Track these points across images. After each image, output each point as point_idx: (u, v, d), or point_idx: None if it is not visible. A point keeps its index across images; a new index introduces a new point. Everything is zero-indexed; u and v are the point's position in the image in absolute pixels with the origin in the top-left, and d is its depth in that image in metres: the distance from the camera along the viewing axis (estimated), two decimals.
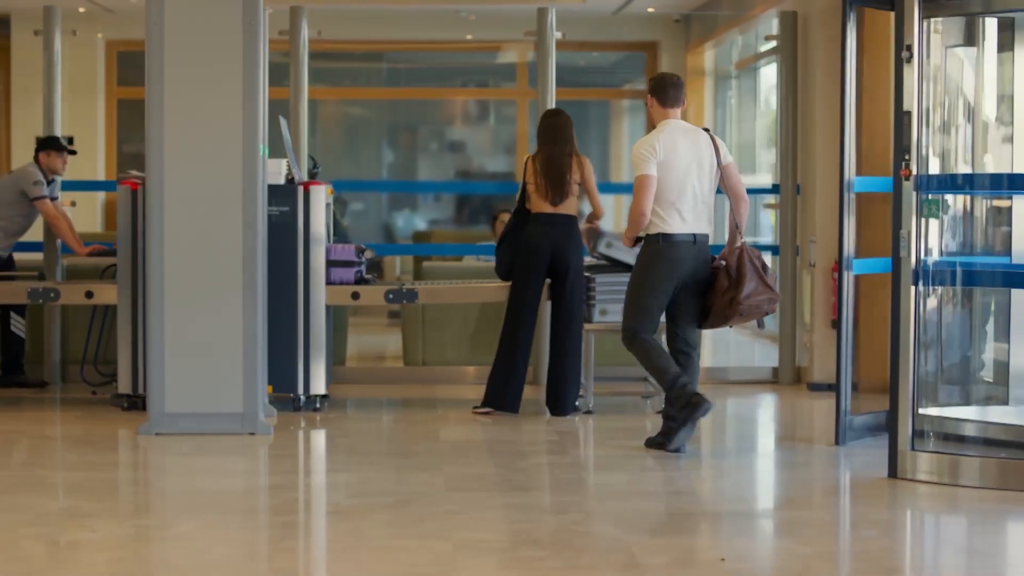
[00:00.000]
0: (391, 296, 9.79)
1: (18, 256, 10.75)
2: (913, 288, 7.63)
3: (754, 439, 9.45)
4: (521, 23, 16.20)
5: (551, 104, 10.75)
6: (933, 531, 6.96)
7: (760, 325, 8.75)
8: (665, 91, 8.39)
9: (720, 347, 13.25)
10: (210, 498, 7.20)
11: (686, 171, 8.21)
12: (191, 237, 8.73)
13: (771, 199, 13.41)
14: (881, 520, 6.96)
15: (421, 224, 18.09)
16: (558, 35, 10.94)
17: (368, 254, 10.11)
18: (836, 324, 10.50)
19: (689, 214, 8.22)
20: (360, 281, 9.79)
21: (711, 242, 8.40)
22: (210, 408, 8.76)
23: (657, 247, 8.22)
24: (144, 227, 9.39)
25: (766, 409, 10.32)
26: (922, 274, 7.70)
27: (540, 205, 9.43)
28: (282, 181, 9.60)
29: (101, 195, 16.11)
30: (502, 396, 9.49)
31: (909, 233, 7.60)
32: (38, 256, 11.06)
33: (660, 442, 8.29)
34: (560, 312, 9.52)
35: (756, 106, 15.17)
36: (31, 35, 16.27)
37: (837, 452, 8.38)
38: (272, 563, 6.07)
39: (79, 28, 16.03)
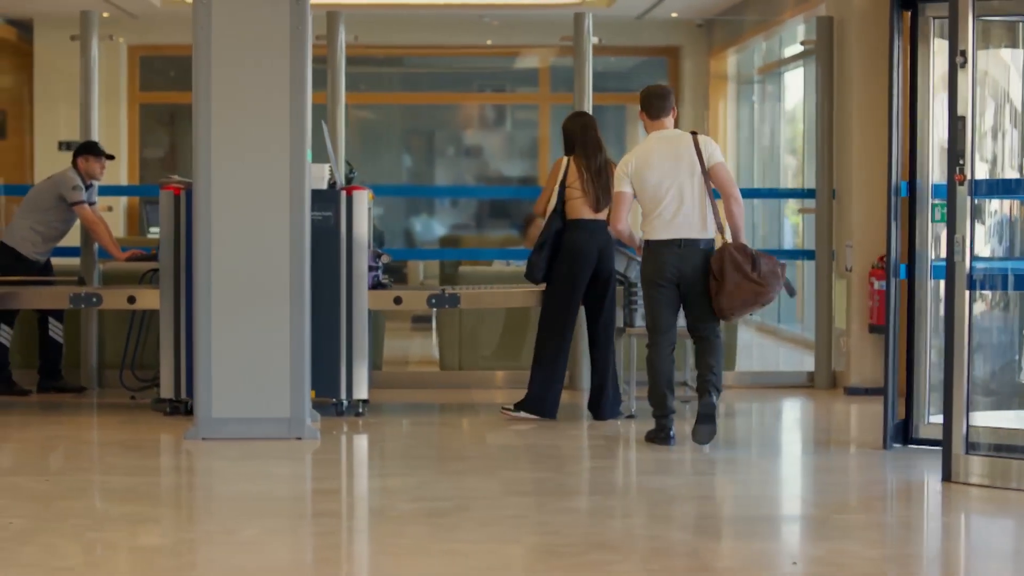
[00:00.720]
0: (433, 301, 9.79)
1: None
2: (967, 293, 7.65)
3: (801, 443, 9.45)
4: (544, 28, 16.27)
5: (589, 109, 10.78)
6: (994, 534, 6.95)
7: (791, 293, 9.06)
8: (650, 104, 8.77)
9: (755, 352, 13.28)
10: (268, 503, 7.20)
11: (661, 180, 8.57)
12: (238, 242, 8.74)
13: (803, 203, 13.42)
14: (943, 524, 7.00)
15: (440, 229, 18.10)
16: (595, 40, 10.95)
17: (384, 259, 10.12)
18: (875, 329, 10.61)
19: (671, 220, 8.56)
20: (377, 285, 9.78)
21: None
22: (256, 413, 8.76)
23: (645, 253, 8.70)
24: (187, 232, 9.43)
25: (808, 413, 10.33)
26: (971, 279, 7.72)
27: (583, 211, 9.41)
28: (324, 186, 9.60)
29: (123, 200, 16.13)
30: (545, 402, 9.47)
31: (964, 238, 7.62)
32: (70, 261, 11.07)
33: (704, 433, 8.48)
34: (601, 317, 9.53)
35: (780, 111, 15.19)
36: (53, 40, 16.36)
37: (885, 456, 8.39)
38: (342, 567, 6.08)
39: (102, 33, 16.07)
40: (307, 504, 7.32)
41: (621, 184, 8.68)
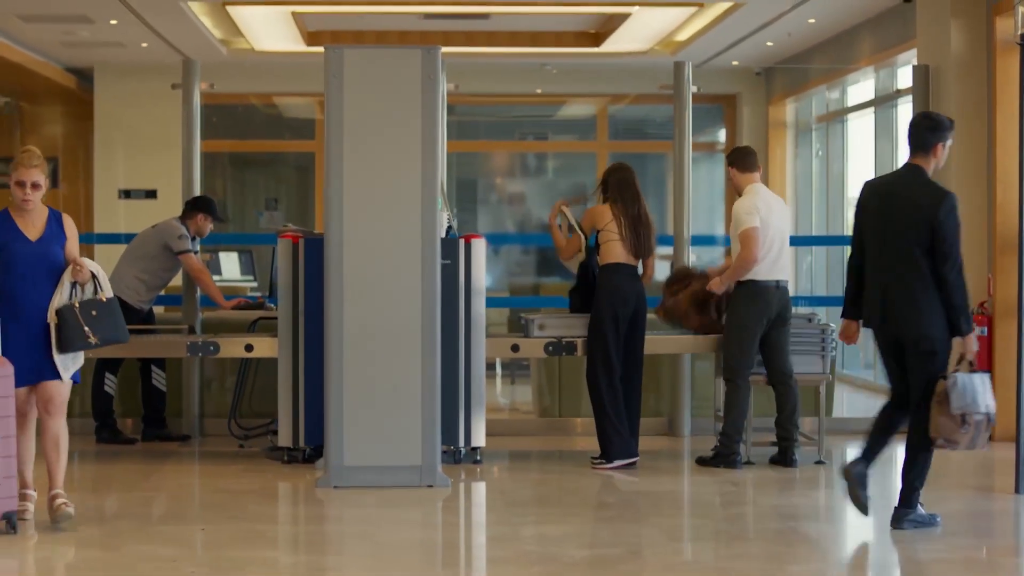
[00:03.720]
0: (551, 348, 9.83)
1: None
2: None
3: (929, 487, 9.38)
4: (602, 77, 16.37)
5: (688, 157, 10.91)
6: None
7: None
8: (744, 159, 9.67)
9: (846, 398, 13.31)
10: (436, 551, 7.23)
11: (776, 226, 9.50)
12: (370, 290, 8.76)
13: None
14: None
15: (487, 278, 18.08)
16: (694, 88, 11.05)
17: None
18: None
19: (775, 262, 9.49)
20: None
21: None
22: (388, 461, 8.77)
23: (746, 292, 9.50)
24: (305, 280, 9.45)
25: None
26: None
27: (623, 255, 9.52)
28: (443, 234, 9.62)
29: None
30: (627, 445, 9.52)
31: None
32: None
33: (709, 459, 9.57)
34: (634, 358, 9.60)
35: (845, 159, 15.27)
36: (114, 89, 16.42)
37: (1019, 499, 8.43)
38: None
39: (163, 80, 16.11)
40: (478, 551, 7.32)
41: (755, 219, 9.43)
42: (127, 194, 16.21)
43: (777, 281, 9.47)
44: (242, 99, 17.49)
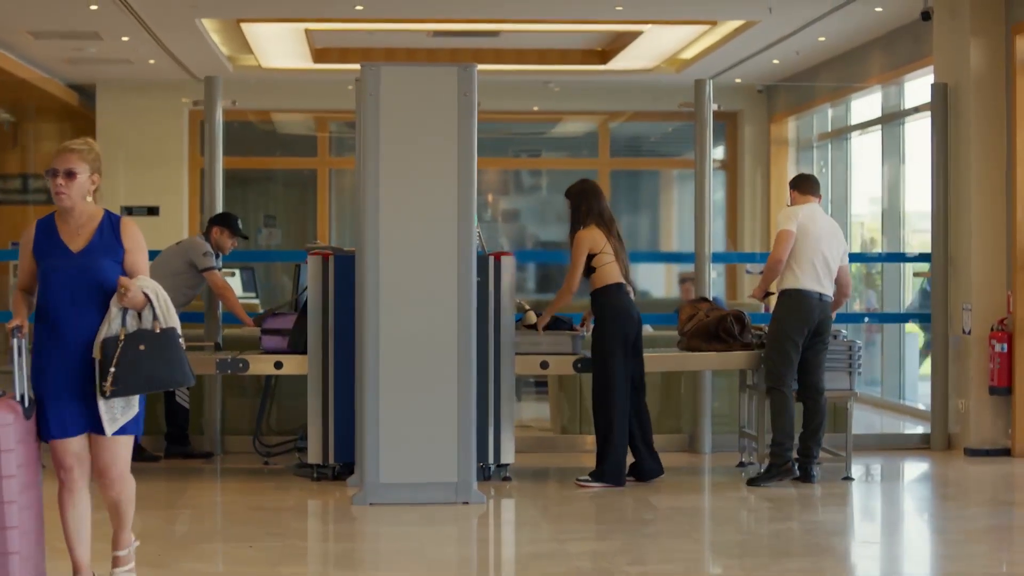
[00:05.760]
0: (579, 365, 9.84)
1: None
2: None
3: (954, 502, 9.45)
4: (603, 94, 16.42)
5: (709, 174, 10.97)
6: None
7: None
8: (804, 183, 9.87)
9: (867, 414, 13.37)
10: (484, 569, 7.24)
11: (819, 237, 9.55)
12: (404, 307, 8.76)
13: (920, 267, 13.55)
14: None
15: None
16: (715, 106, 11.10)
17: None
18: (995, 391, 10.76)
19: (820, 274, 9.53)
20: None
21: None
22: (423, 478, 8.77)
23: (788, 301, 9.54)
24: (335, 296, 9.45)
25: (953, 475, 10.34)
26: None
27: (617, 276, 9.50)
28: None
29: None
30: (623, 471, 9.48)
31: None
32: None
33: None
34: (641, 378, 9.63)
35: (850, 176, 15.33)
36: (115, 105, 16.39)
37: None
38: None
39: (165, 97, 16.11)
40: (531, 567, 7.31)
41: (790, 224, 9.58)
42: (129, 211, 16.16)
43: (820, 294, 9.50)
44: (241, 116, 17.47)
